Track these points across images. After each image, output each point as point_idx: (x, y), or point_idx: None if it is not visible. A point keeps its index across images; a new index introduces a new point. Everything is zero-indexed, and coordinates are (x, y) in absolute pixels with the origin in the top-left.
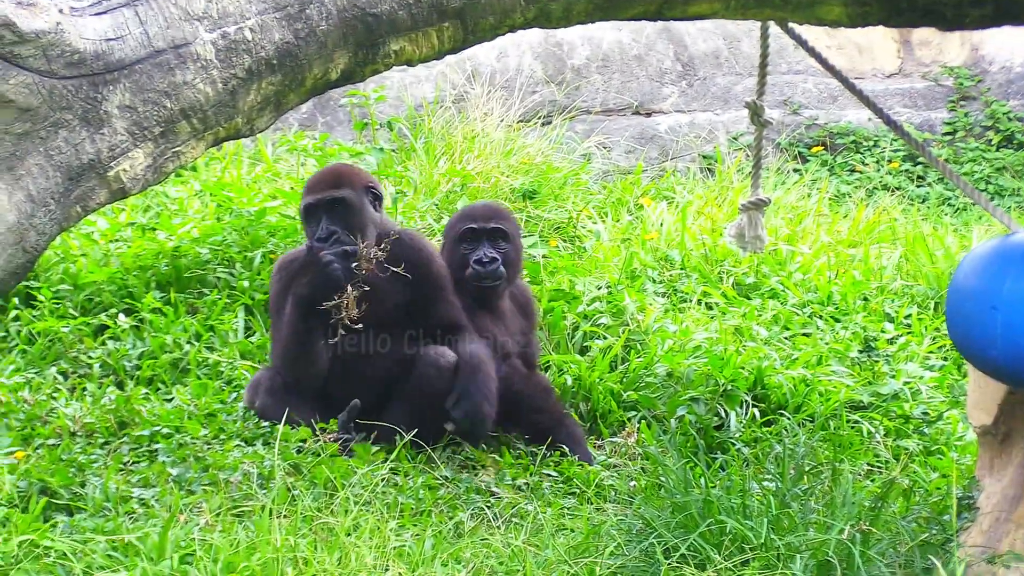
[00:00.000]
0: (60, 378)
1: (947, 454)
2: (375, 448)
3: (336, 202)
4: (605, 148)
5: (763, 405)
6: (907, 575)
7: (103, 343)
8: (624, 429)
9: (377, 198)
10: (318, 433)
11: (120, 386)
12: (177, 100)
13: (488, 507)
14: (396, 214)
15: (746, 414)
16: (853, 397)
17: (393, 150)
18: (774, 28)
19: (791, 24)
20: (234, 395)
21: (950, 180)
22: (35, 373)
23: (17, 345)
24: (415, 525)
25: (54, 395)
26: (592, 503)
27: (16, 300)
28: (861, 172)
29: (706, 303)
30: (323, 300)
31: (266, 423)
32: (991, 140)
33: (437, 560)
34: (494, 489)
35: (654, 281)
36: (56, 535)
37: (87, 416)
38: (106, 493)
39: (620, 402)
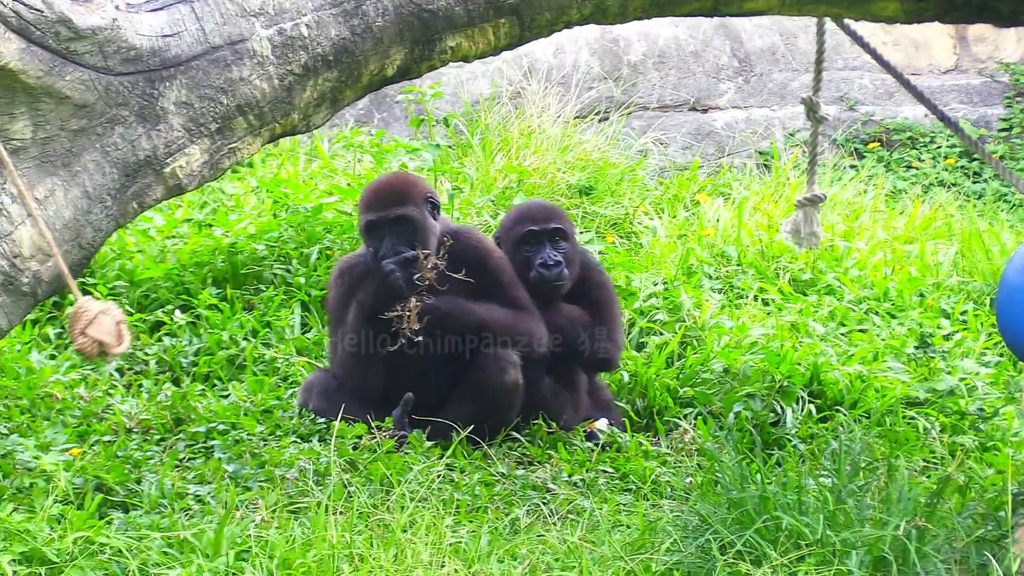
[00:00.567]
0: (116, 375)
1: (1003, 450)
2: (430, 443)
3: (400, 219)
4: (662, 144)
5: (819, 401)
6: (962, 571)
7: (159, 339)
8: (680, 426)
9: (435, 207)
10: (374, 430)
11: (176, 382)
12: (233, 96)
13: (544, 503)
14: (452, 210)
15: (802, 410)
16: (909, 393)
17: (449, 146)
18: (830, 24)
19: (847, 20)
20: (290, 391)
21: (1004, 177)
22: (91, 370)
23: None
24: (471, 521)
25: (110, 391)
26: (648, 499)
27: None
28: (917, 168)
29: (762, 299)
30: (385, 310)
31: (322, 420)
32: None
33: (493, 556)
34: (550, 485)
35: (710, 277)
36: (111, 532)
37: (143, 412)
38: (162, 490)
39: (676, 398)
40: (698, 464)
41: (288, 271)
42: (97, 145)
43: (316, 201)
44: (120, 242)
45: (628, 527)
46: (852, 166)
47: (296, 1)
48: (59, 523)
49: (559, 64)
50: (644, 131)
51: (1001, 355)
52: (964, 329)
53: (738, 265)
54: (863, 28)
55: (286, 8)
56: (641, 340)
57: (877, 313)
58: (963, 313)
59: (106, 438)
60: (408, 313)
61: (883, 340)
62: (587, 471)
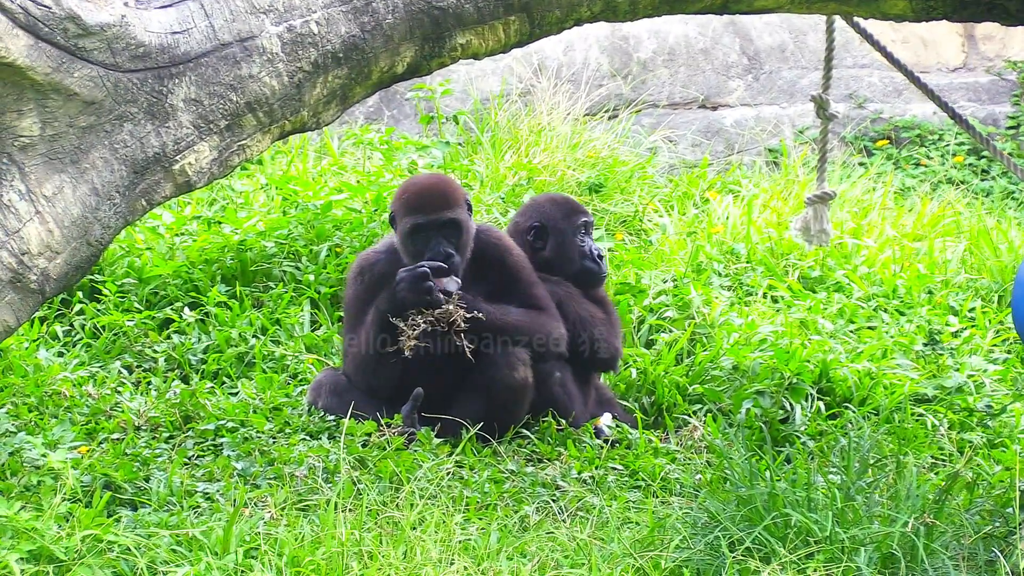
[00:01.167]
0: (125, 372)
1: (1011, 447)
2: (439, 441)
3: (448, 223)
4: (671, 142)
5: (828, 398)
6: (970, 567)
7: (168, 337)
8: (690, 423)
9: (470, 208)
10: (383, 427)
11: (185, 380)
12: (243, 93)
13: (554, 501)
14: None
15: (811, 407)
16: (918, 390)
17: (459, 144)
18: (840, 22)
19: (856, 18)
20: (299, 389)
21: (1014, 174)
22: (100, 367)
23: (82, 339)
24: (481, 519)
25: (119, 389)
26: (658, 496)
27: (81, 294)
28: (926, 166)
29: (772, 296)
30: (416, 310)
31: (331, 417)
32: None
33: (502, 554)
34: (560, 483)
35: (720, 274)
36: (120, 530)
37: (152, 410)
38: (170, 487)
39: (685, 395)
40: (707, 461)
41: (298, 268)
42: (106, 142)
43: (326, 198)
44: (129, 239)
45: (637, 524)
46: (861, 164)
47: None
48: (67, 521)
49: (569, 61)
50: (654, 128)
51: (1009, 352)
52: (972, 326)
53: (747, 262)
54: (872, 26)
55: (296, 5)
56: (650, 337)
57: (886, 310)
58: (971, 310)
59: (114, 436)
60: (450, 318)
61: (892, 337)
62: (596, 468)
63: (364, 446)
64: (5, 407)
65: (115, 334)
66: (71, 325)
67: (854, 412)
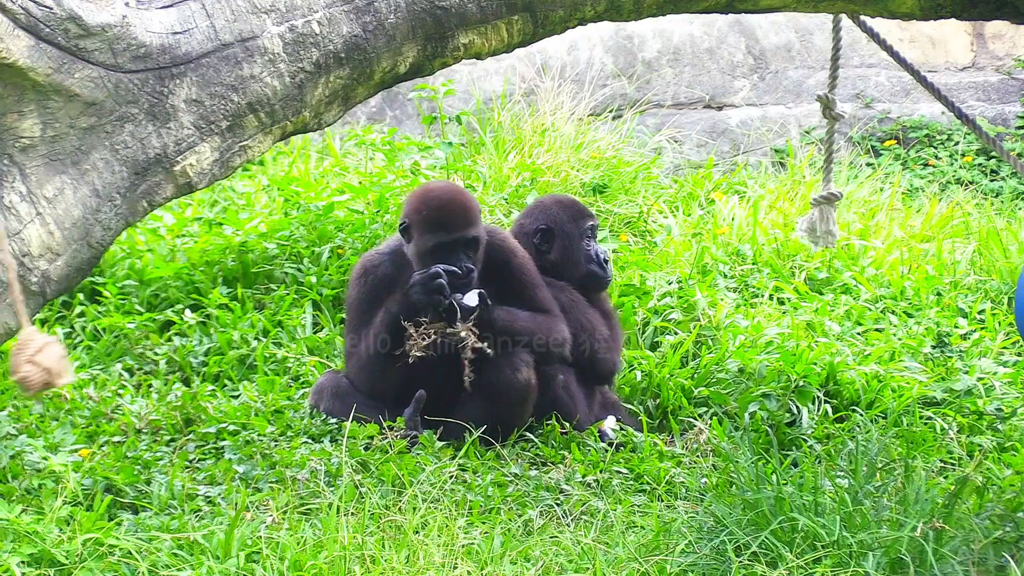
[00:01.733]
0: (126, 375)
1: (1021, 451)
2: (441, 444)
3: (473, 241)
4: (676, 142)
5: (835, 401)
6: (980, 573)
7: (169, 339)
8: (695, 426)
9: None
10: (385, 430)
11: (186, 383)
12: (244, 94)
13: (558, 504)
14: None
15: (818, 410)
16: (926, 393)
17: (462, 144)
18: (846, 21)
19: (863, 17)
20: (301, 392)
21: (1022, 174)
22: (100, 370)
23: (82, 341)
24: (484, 523)
25: (119, 392)
26: (663, 500)
27: (81, 296)
28: (934, 166)
29: (778, 298)
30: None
31: (333, 420)
32: None
33: (506, 558)
34: (564, 486)
35: (725, 276)
36: (121, 533)
37: (153, 413)
38: (171, 491)
39: (691, 398)
40: (713, 465)
41: (299, 270)
42: (106, 143)
43: (328, 199)
44: (130, 241)
45: (642, 528)
46: (868, 164)
47: None
48: (68, 524)
49: (573, 61)
50: (658, 129)
51: (1019, 354)
52: (982, 328)
53: (753, 264)
54: (879, 25)
55: (297, 5)
56: (655, 339)
57: (894, 312)
58: (981, 312)
59: (115, 439)
60: (460, 342)
61: (900, 339)
62: (601, 472)
63: (366, 449)
64: (6, 410)
65: (116, 336)
66: (72, 327)
67: (862, 415)
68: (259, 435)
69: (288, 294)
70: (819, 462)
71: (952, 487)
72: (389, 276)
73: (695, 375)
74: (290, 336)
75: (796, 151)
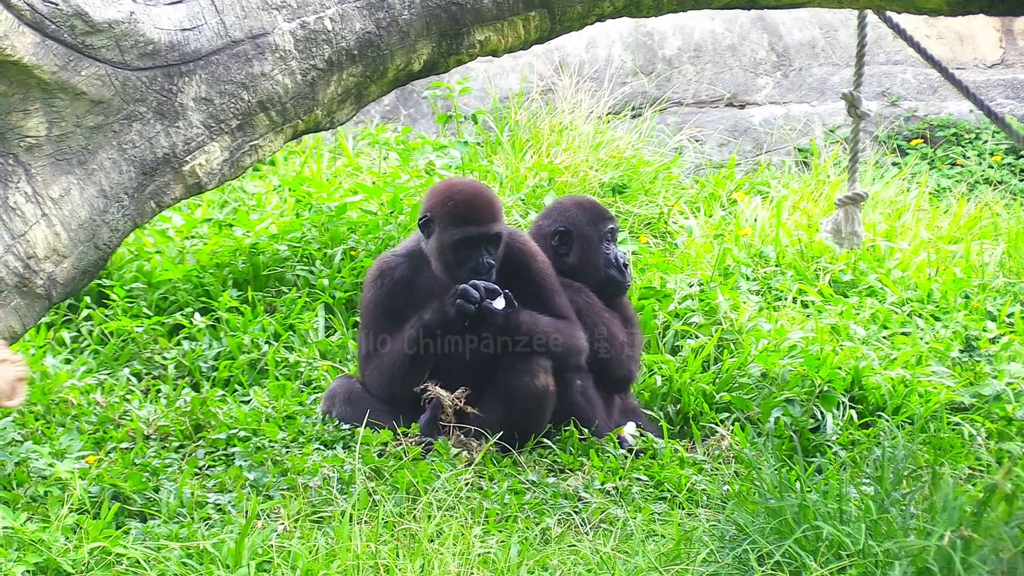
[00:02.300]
0: (133, 380)
1: None
2: (456, 450)
3: (497, 236)
4: (697, 141)
5: (861, 407)
6: None
7: (178, 343)
8: (717, 432)
9: None
10: (399, 436)
11: (196, 388)
12: (255, 92)
13: (576, 512)
14: None
15: (843, 416)
16: (954, 398)
17: (478, 143)
18: (872, 17)
19: (889, 13)
20: (313, 397)
21: None
22: (108, 374)
23: (89, 345)
24: (500, 531)
25: (127, 397)
26: (684, 508)
27: (88, 299)
28: (962, 165)
29: (802, 301)
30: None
31: (346, 426)
32: None
33: (523, 567)
34: (582, 494)
35: (748, 278)
36: (129, 542)
37: (161, 419)
38: (181, 498)
39: (712, 404)
40: (735, 472)
41: (311, 272)
42: (114, 142)
43: (340, 200)
44: (138, 243)
45: (663, 537)
46: (895, 163)
47: None
48: (74, 533)
49: (591, 59)
50: (679, 128)
51: None
52: (1011, 332)
53: (776, 266)
54: (906, 21)
55: (309, 1)
56: (676, 344)
57: (920, 315)
58: (1010, 315)
59: (123, 445)
60: (450, 407)
61: (927, 343)
62: (620, 479)
63: (380, 456)
64: (11, 415)
65: (123, 340)
66: (78, 331)
67: (888, 421)
68: (270, 441)
69: (300, 297)
70: (844, 469)
71: (981, 495)
72: (406, 279)
73: (717, 380)
74: (302, 340)
75: (820, 150)
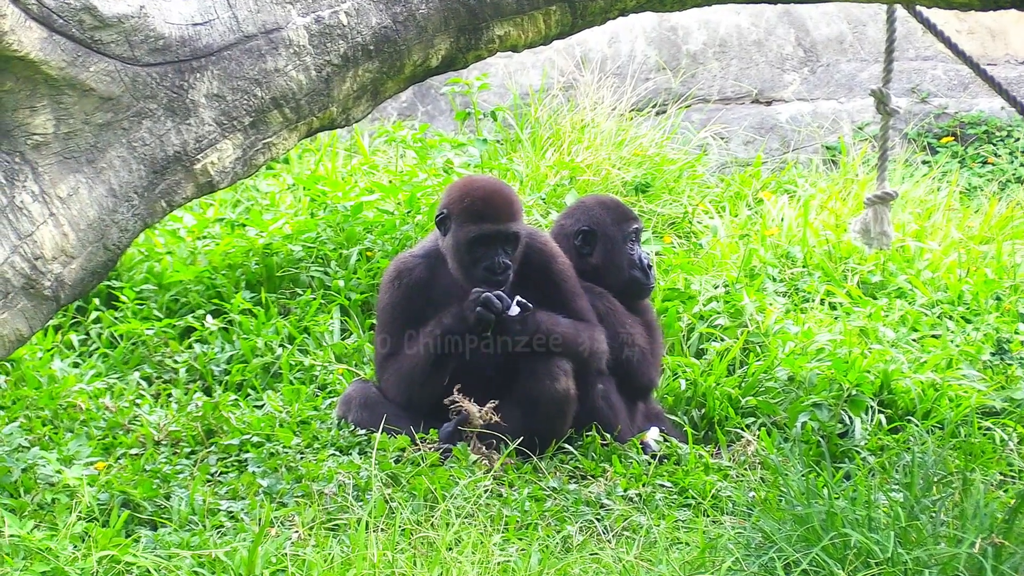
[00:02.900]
0: (144, 384)
1: None
2: (475, 457)
3: (513, 236)
4: (722, 139)
5: (890, 411)
6: None
7: (189, 346)
8: (743, 437)
9: None
10: (417, 442)
11: (207, 392)
12: (268, 88)
13: (598, 520)
14: None
15: (872, 420)
16: (985, 402)
17: (497, 141)
18: (901, 12)
19: (919, 7)
20: (328, 401)
21: None
22: (117, 378)
23: (98, 348)
24: (520, 539)
25: (137, 402)
26: (708, 515)
27: (97, 301)
28: (994, 164)
29: (829, 303)
30: (470, 334)
31: (362, 431)
32: None
33: None
34: (604, 501)
35: (774, 280)
36: (139, 550)
37: (172, 424)
38: (192, 506)
39: (738, 408)
40: (761, 478)
41: (326, 273)
42: (123, 140)
43: (356, 199)
44: (148, 243)
45: (687, 545)
46: (924, 162)
47: None
48: (83, 541)
49: (614, 54)
50: (704, 125)
51: None
52: None
53: (804, 267)
54: (936, 15)
55: None
56: (701, 346)
57: (951, 317)
58: None
59: (133, 451)
60: (472, 420)
61: (957, 346)
62: (643, 485)
63: (397, 462)
64: (18, 420)
65: (133, 343)
66: (87, 334)
67: (917, 426)
68: (284, 447)
69: (314, 299)
70: (873, 475)
71: (1012, 501)
72: (424, 280)
73: (742, 384)
74: (316, 343)
75: (849, 148)
